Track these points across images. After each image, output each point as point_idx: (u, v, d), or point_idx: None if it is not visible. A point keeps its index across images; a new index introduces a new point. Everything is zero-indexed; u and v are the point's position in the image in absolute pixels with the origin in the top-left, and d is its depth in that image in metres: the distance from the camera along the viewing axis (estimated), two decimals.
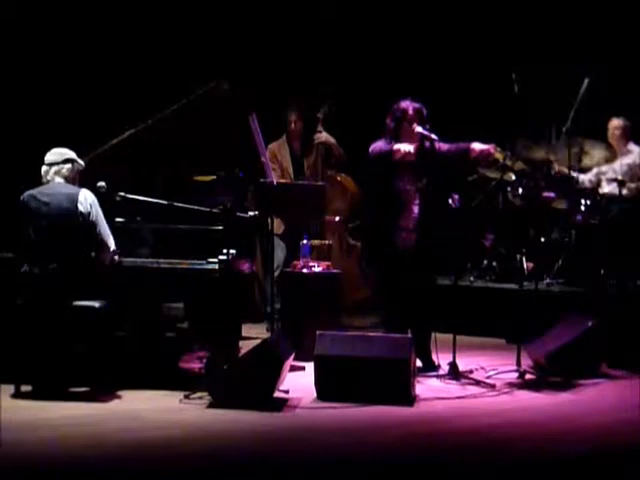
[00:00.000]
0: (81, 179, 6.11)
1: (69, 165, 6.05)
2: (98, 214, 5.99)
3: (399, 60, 9.66)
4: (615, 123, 8.47)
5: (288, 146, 8.44)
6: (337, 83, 8.96)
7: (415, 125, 6.55)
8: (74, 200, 5.92)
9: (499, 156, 8.37)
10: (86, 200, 5.94)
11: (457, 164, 6.88)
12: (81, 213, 5.91)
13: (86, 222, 5.93)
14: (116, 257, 6.06)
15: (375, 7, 9.79)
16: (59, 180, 6.02)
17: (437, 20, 9.79)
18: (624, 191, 8.17)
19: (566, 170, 8.38)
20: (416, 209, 6.62)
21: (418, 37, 9.74)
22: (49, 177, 6.03)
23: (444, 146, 6.67)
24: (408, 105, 6.63)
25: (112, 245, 6.03)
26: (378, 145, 6.62)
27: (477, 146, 6.62)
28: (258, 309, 8.64)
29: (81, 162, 6.12)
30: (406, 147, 6.54)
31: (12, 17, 8.43)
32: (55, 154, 6.07)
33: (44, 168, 6.05)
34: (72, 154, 6.09)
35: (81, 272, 5.91)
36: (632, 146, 8.45)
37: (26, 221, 5.95)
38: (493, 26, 9.57)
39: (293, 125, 8.40)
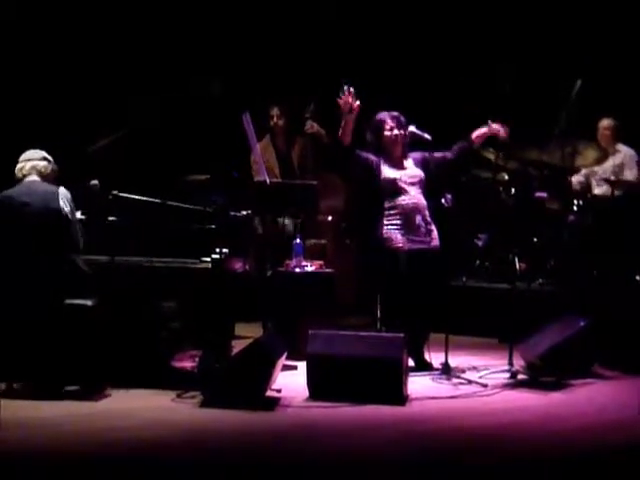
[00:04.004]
0: (57, 181, 6.06)
1: (45, 162, 6.01)
2: (74, 212, 5.97)
3: (388, 60, 9.65)
4: (605, 123, 8.51)
5: (273, 146, 8.18)
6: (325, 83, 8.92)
7: (394, 130, 6.61)
8: (55, 198, 5.89)
9: (491, 156, 8.39)
10: (66, 198, 5.92)
11: (465, 160, 7.07)
12: (63, 211, 5.89)
13: (66, 220, 5.90)
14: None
15: (367, 9, 9.79)
16: (34, 177, 5.97)
17: (427, 20, 9.79)
18: (615, 191, 8.21)
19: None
20: (419, 217, 6.61)
21: (408, 37, 9.74)
22: (25, 172, 5.97)
23: (437, 154, 6.76)
24: (385, 115, 6.72)
25: (81, 245, 5.99)
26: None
27: (477, 134, 6.79)
28: (251, 308, 8.60)
29: (55, 166, 6.06)
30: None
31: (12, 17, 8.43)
32: (31, 152, 6.03)
33: (19, 165, 6.00)
34: (48, 156, 6.06)
35: (72, 270, 5.89)
36: (620, 146, 8.49)
37: (3, 223, 5.87)
38: (486, 25, 9.58)
39: (275, 119, 8.13)
